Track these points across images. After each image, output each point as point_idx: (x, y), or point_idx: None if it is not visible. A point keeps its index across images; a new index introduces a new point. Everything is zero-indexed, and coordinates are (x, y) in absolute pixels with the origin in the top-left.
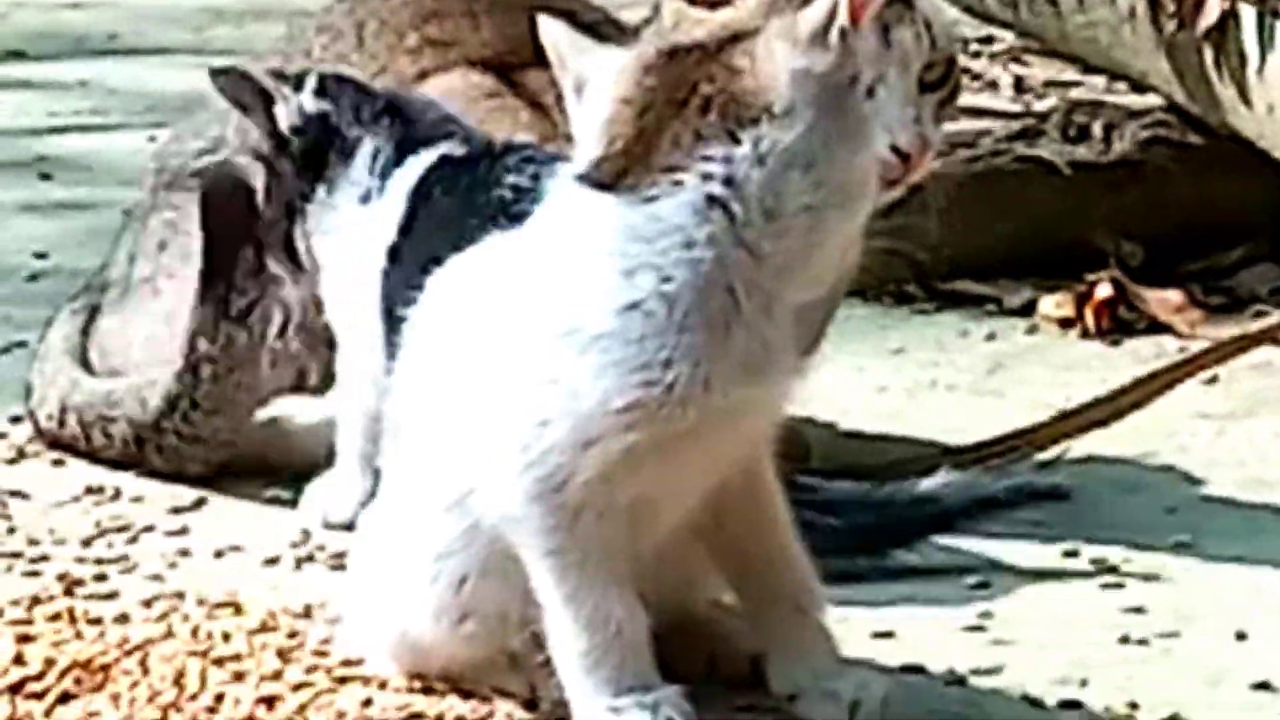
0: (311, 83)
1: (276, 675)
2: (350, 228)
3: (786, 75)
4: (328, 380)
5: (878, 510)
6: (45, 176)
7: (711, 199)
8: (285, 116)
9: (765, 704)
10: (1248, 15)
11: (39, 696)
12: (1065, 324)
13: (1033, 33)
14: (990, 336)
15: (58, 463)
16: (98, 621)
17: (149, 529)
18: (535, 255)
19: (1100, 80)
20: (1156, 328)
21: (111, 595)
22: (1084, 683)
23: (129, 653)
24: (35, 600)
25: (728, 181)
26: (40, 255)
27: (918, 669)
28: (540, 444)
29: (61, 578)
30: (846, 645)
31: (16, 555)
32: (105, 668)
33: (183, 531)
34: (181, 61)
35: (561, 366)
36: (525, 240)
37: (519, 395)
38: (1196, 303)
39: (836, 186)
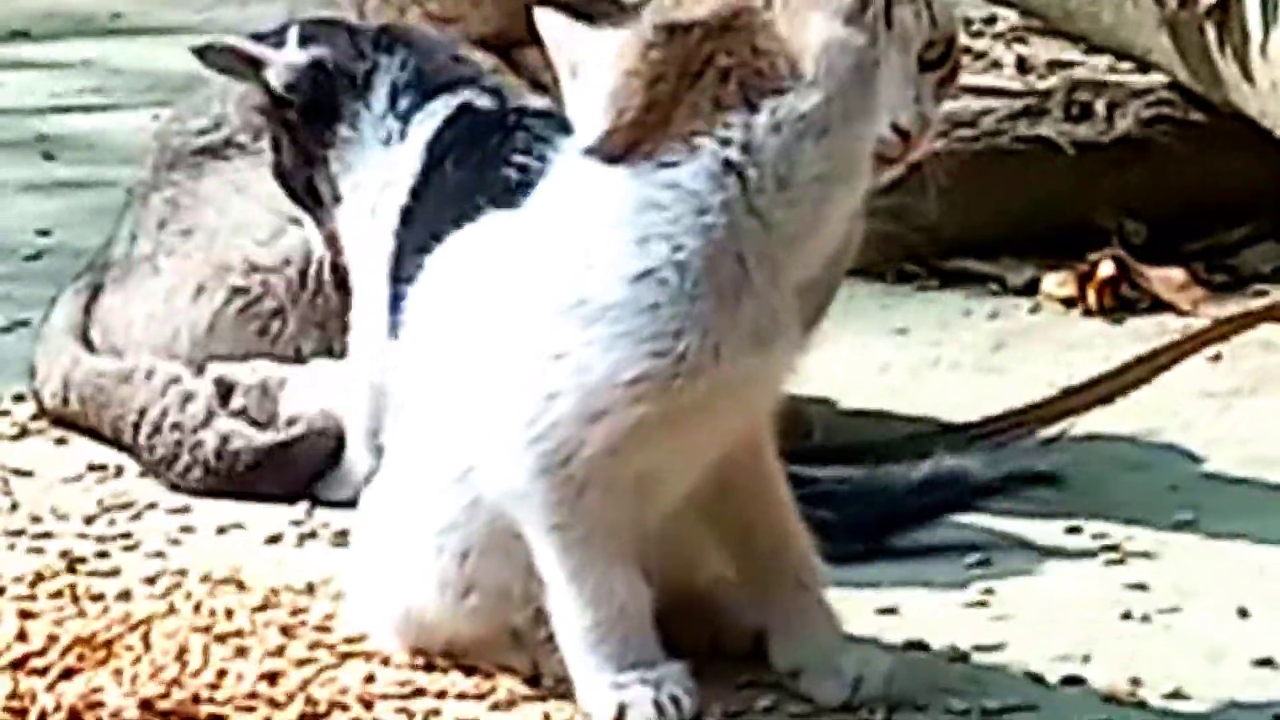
0: (293, 36)
1: (279, 651)
2: (372, 169)
3: (819, 46)
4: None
5: (872, 502)
6: (48, 156)
7: (728, 164)
8: (276, 77)
9: (767, 680)
10: None
11: (42, 672)
12: (1068, 302)
13: (1036, 11)
14: (993, 315)
15: (61, 440)
16: (100, 598)
17: (152, 506)
18: (540, 229)
19: (1103, 59)
20: (1159, 306)
21: (114, 572)
22: (1086, 659)
23: (132, 629)
24: (38, 577)
25: (745, 148)
26: (43, 234)
27: (920, 645)
28: (546, 418)
29: (64, 555)
30: (849, 623)
31: (19, 533)
32: (108, 644)
33: (185, 509)
34: (185, 41)
35: (569, 339)
36: (530, 214)
37: (525, 369)
38: (1199, 281)
39: (845, 157)
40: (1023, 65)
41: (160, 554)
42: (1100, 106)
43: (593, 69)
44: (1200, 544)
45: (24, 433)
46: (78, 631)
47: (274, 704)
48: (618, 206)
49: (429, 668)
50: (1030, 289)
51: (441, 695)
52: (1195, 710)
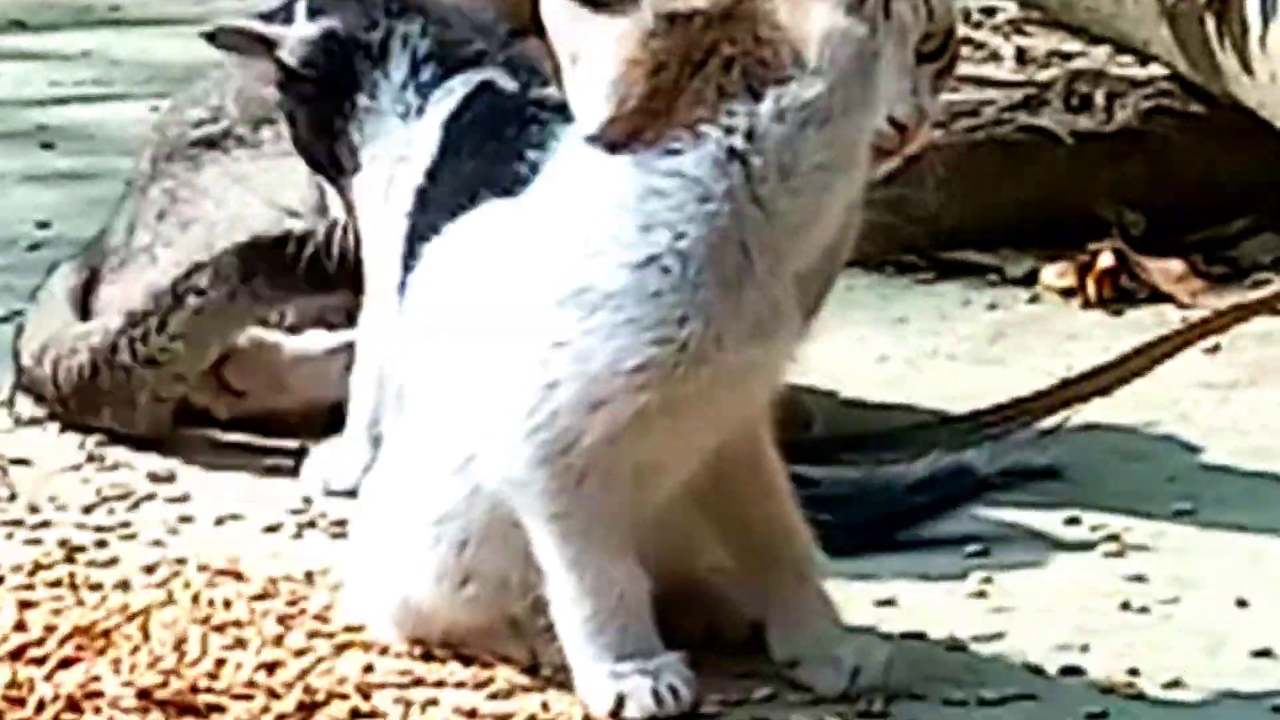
0: (301, 9)
1: (277, 641)
2: (390, 143)
3: (821, 36)
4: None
5: (873, 503)
6: (47, 146)
7: (732, 152)
8: (290, 53)
9: (766, 670)
10: None
11: (40, 662)
12: (1067, 293)
13: (1035, 3)
14: (992, 306)
15: (60, 430)
16: (98, 587)
17: (150, 496)
18: (542, 216)
19: (1103, 51)
20: (1158, 297)
21: (112, 562)
22: (1085, 649)
23: (130, 618)
24: (36, 566)
25: (749, 136)
26: (42, 225)
27: (919, 636)
28: (547, 406)
29: (62, 544)
30: (848, 613)
31: (18, 522)
32: (106, 633)
33: (183, 499)
34: (184, 32)
35: (570, 327)
36: (532, 201)
37: (526, 358)
38: (1198, 272)
39: (846, 147)
40: (1022, 57)
41: (158, 543)
42: (1100, 98)
43: (594, 57)
44: (1199, 535)
45: (22, 421)
46: (76, 621)
47: (272, 694)
48: (620, 194)
49: (427, 657)
50: (1029, 280)
51: (440, 684)
52: (1194, 700)
